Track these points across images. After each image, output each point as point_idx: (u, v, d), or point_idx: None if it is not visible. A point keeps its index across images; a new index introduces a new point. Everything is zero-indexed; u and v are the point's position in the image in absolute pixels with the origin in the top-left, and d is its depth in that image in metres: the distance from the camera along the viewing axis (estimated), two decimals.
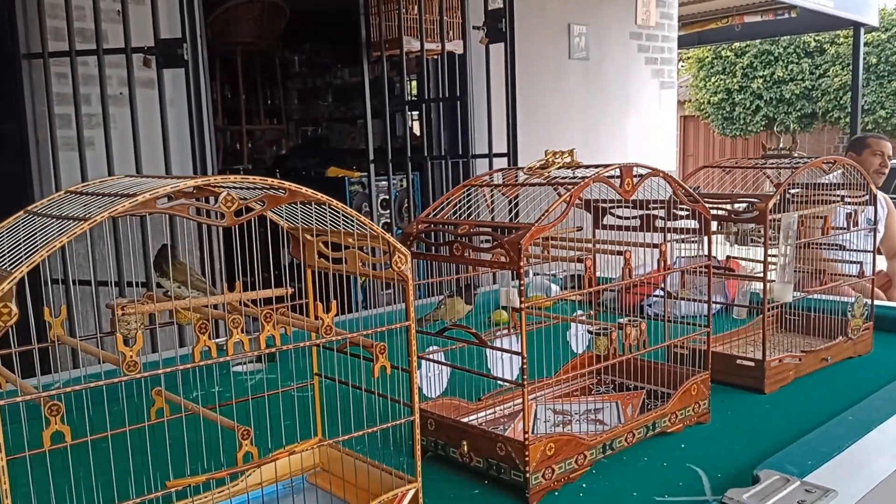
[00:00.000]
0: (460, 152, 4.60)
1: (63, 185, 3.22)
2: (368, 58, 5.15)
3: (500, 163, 4.24)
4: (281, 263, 1.17)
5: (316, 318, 1.02)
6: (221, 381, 1.98)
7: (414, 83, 6.11)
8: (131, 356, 0.77)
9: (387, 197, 5.31)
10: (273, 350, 0.92)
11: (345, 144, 7.43)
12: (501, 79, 4.10)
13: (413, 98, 5.90)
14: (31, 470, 0.79)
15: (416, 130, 6.31)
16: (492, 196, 1.53)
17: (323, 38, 7.49)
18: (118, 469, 0.85)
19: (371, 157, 5.01)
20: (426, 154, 4.86)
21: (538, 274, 2.57)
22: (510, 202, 1.45)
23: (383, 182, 5.14)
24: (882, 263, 3.89)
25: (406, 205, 5.37)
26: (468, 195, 1.48)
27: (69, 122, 3.31)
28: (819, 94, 15.20)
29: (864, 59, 13.12)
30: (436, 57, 4.85)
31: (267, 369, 2.09)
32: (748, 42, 15.05)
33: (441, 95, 4.88)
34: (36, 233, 0.75)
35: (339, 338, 0.98)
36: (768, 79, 15.58)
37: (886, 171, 3.90)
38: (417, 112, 5.92)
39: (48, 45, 3.13)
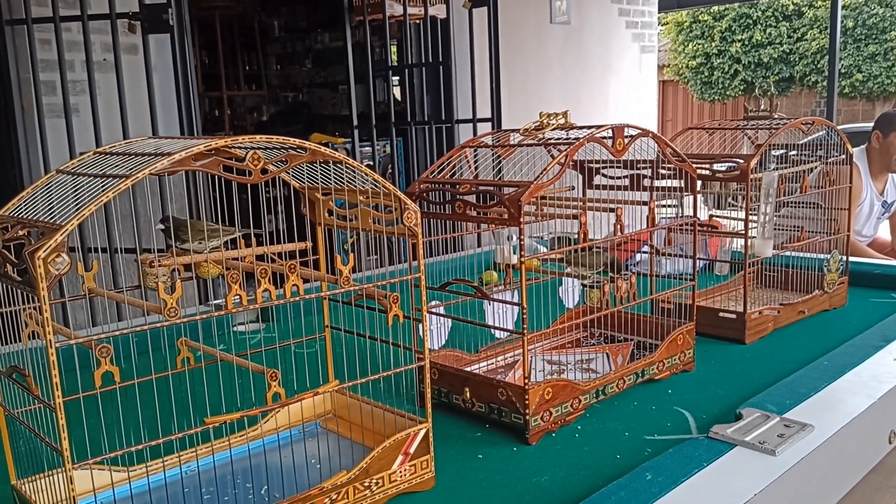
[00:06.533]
0: (443, 117, 4.62)
1: (49, 151, 3.22)
2: (350, 22, 5.13)
3: (484, 127, 4.27)
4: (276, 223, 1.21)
5: (330, 271, 1.08)
6: (224, 340, 2.04)
7: (394, 48, 6.09)
8: (172, 303, 0.83)
9: (371, 163, 5.34)
10: (283, 303, 0.97)
11: (326, 110, 7.40)
12: (484, 43, 4.12)
13: (395, 63, 5.89)
14: (84, 408, 0.86)
15: (398, 96, 6.30)
16: (475, 157, 1.58)
17: (301, 2, 7.41)
18: (159, 409, 0.91)
19: (355, 122, 5.03)
20: (409, 119, 4.88)
21: (528, 236, 2.64)
22: (495, 163, 1.51)
23: (367, 148, 5.17)
24: (885, 231, 3.82)
25: (390, 170, 5.41)
26: (465, 157, 1.54)
27: (54, 89, 3.30)
28: (797, 58, 15.28)
29: (842, 22, 13.19)
30: (418, 21, 4.84)
31: (264, 329, 2.16)
32: (726, 6, 15.06)
33: (424, 60, 4.88)
34: (79, 189, 0.80)
35: (357, 288, 1.04)
36: (746, 42, 15.63)
37: None
38: (398, 77, 5.91)
39: (31, 11, 3.11)
